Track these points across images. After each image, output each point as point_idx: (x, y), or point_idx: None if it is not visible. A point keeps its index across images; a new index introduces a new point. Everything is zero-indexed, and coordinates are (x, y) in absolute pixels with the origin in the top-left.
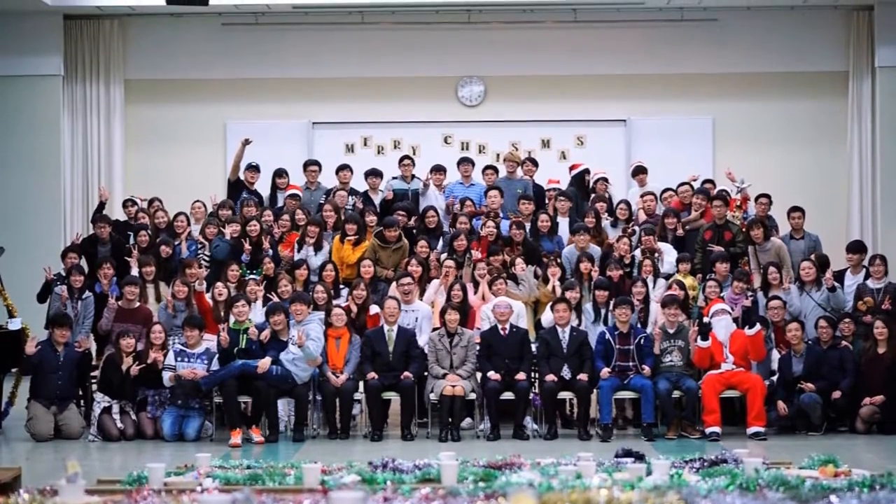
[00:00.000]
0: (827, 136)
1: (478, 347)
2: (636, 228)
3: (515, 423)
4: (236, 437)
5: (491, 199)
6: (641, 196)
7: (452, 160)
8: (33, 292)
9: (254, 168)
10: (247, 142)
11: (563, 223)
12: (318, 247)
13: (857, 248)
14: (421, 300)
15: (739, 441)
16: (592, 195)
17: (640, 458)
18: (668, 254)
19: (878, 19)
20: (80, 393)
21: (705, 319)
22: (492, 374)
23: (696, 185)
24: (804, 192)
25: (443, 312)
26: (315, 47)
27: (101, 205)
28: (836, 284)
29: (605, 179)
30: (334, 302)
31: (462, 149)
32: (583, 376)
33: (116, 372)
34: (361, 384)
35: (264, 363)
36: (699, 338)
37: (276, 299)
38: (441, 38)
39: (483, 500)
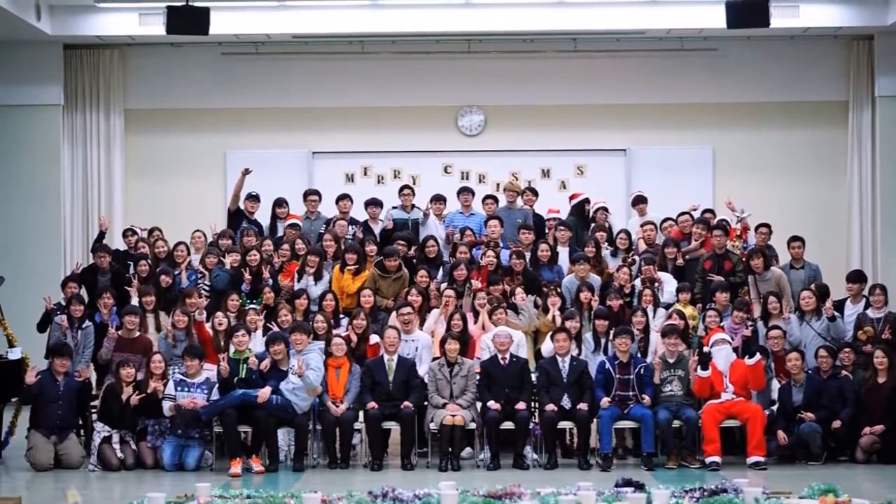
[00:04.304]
0: (827, 165)
1: (478, 377)
2: (636, 258)
3: (515, 453)
4: (236, 467)
5: (491, 229)
6: (641, 226)
7: (452, 190)
8: (33, 322)
9: (254, 197)
10: (247, 171)
11: (563, 253)
12: (318, 276)
13: (857, 277)
14: (421, 330)
15: (739, 470)
16: (592, 225)
17: (640, 487)
18: (668, 283)
19: (877, 49)
20: (80, 422)
21: (705, 349)
22: (492, 404)
23: (696, 214)
24: (804, 222)
25: (443, 342)
26: (315, 77)
27: (101, 234)
28: (836, 314)
29: (605, 209)
30: (334, 331)
31: (462, 178)
32: (583, 406)
33: (116, 401)
34: (361, 413)
35: (264, 393)
36: (699, 367)
37: (275, 329)
38: (441, 67)
39: None
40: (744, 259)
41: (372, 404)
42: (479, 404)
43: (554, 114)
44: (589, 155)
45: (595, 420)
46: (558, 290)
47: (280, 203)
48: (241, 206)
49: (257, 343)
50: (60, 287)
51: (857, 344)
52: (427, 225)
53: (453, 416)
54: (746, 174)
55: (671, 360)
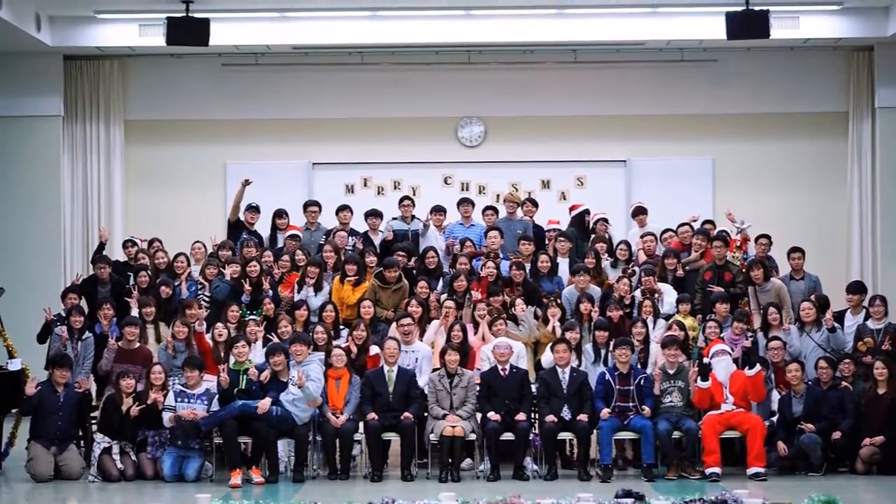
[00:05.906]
0: (827, 176)
1: (478, 388)
2: (636, 269)
3: (515, 464)
4: (236, 478)
5: (491, 240)
6: (641, 237)
7: (452, 201)
8: (33, 333)
9: (254, 209)
10: (247, 182)
11: (563, 264)
12: (318, 287)
13: (857, 288)
14: (421, 341)
15: (739, 482)
16: (592, 236)
17: (640, 498)
18: (668, 294)
19: (878, 60)
20: (80, 434)
21: (705, 360)
22: (492, 415)
23: (696, 225)
24: (804, 233)
25: (443, 353)
26: (315, 88)
27: (101, 245)
28: (836, 325)
29: (605, 220)
30: (334, 342)
31: (462, 189)
32: (583, 417)
33: (116, 412)
34: (361, 425)
35: (264, 404)
36: (699, 378)
37: (276, 340)
38: (441, 78)
39: None
40: (744, 270)
41: (372, 415)
42: (479, 415)
43: (554, 125)
44: (589, 166)
45: (595, 431)
46: (558, 301)
47: (280, 214)
48: (241, 217)
49: (257, 354)
50: (60, 298)
51: (857, 355)
52: (427, 236)
53: (453, 427)
54: (746, 185)
55: (671, 371)
